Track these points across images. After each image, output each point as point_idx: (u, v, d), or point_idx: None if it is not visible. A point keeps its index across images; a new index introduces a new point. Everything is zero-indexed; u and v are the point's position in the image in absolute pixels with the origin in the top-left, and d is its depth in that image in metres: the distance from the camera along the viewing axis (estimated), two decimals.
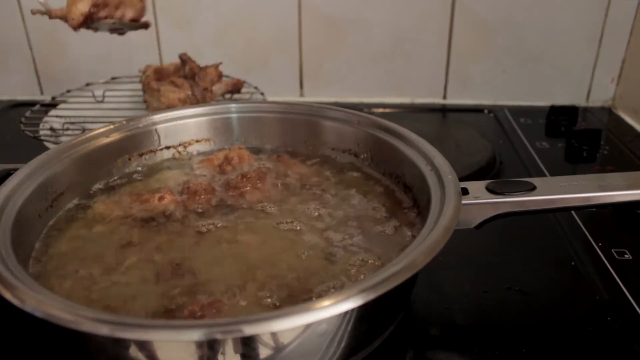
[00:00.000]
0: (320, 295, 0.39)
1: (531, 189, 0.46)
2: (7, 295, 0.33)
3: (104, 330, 0.30)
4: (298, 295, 0.40)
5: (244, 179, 0.54)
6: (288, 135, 0.62)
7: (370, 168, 0.57)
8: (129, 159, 0.58)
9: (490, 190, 0.46)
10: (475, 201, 0.45)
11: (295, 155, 0.60)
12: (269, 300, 0.39)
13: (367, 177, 0.56)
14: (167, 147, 0.60)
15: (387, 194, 0.53)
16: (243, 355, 0.34)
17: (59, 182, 0.50)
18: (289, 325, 0.31)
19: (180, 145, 0.61)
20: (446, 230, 0.38)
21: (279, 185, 0.55)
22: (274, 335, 0.34)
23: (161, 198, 0.52)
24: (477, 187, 0.46)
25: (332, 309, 0.32)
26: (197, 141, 0.62)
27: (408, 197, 0.51)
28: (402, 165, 0.52)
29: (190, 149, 0.62)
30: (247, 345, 0.34)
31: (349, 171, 0.57)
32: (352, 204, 0.51)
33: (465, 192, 0.46)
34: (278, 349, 0.34)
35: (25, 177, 0.47)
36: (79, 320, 0.31)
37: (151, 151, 0.60)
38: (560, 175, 0.48)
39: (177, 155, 0.61)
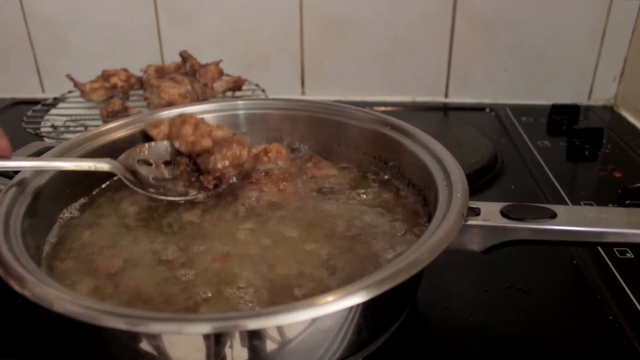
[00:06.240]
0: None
1: (551, 216, 0.42)
2: (17, 288, 0.33)
3: (112, 323, 0.30)
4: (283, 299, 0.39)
5: (267, 176, 0.54)
6: (316, 136, 0.61)
7: (397, 177, 0.55)
8: None
9: (505, 214, 0.42)
10: (483, 223, 0.42)
11: (326, 157, 0.59)
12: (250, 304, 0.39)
13: (391, 186, 0.54)
14: None
15: (408, 206, 0.51)
16: (250, 349, 0.34)
17: (69, 176, 0.50)
18: (294, 319, 0.31)
19: None
20: (450, 229, 0.38)
21: (301, 187, 0.54)
22: (280, 329, 0.34)
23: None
24: (490, 209, 0.43)
25: (337, 304, 0.32)
26: None
27: (425, 211, 0.49)
28: (424, 178, 0.49)
29: None
30: (254, 339, 0.34)
31: (376, 179, 0.56)
32: (369, 214, 0.50)
33: (477, 212, 0.42)
34: (284, 343, 0.35)
35: (36, 172, 0.47)
36: (87, 313, 0.31)
37: None
38: (562, 174, 0.48)
39: None
